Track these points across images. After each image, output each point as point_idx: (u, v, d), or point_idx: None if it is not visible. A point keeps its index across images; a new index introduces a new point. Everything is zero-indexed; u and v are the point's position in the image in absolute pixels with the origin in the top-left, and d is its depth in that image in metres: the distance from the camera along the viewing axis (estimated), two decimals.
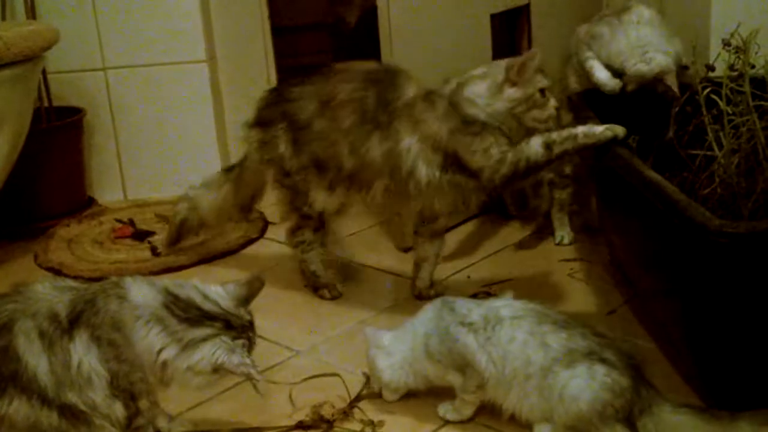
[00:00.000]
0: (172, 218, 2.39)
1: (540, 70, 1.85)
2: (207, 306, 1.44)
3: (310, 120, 2.00)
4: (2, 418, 1.32)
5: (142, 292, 1.42)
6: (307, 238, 2.13)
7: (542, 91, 1.85)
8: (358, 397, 1.68)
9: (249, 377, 1.42)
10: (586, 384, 1.43)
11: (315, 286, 2.16)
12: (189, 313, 1.42)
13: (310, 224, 2.12)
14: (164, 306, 1.41)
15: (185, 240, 2.40)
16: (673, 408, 1.46)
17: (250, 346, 1.47)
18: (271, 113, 2.08)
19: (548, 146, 1.81)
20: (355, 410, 1.64)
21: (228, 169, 2.30)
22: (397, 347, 1.62)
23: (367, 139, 1.92)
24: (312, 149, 2.00)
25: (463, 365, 1.53)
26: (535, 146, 1.81)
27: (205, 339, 1.40)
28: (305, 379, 1.76)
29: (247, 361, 1.41)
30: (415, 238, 2.11)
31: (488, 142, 1.83)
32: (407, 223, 2.20)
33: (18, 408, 1.32)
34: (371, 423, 1.60)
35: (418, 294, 2.10)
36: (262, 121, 2.10)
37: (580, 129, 1.81)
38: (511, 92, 1.83)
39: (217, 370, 1.40)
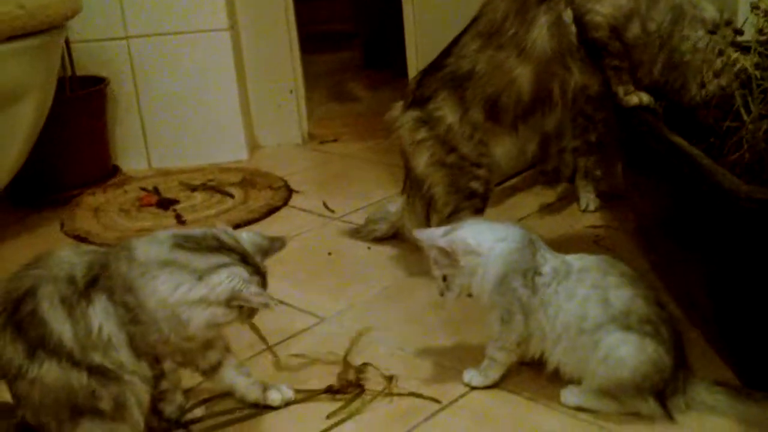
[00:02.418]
0: (365, 234, 2.27)
1: None
2: (225, 238, 1.43)
3: (473, 63, 1.90)
4: (34, 380, 1.33)
5: (146, 249, 1.41)
6: None
7: None
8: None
9: (266, 307, 1.40)
10: (635, 353, 1.41)
11: None
12: (204, 244, 1.41)
13: (474, 204, 1.98)
14: (174, 246, 1.40)
15: None
16: (708, 387, 1.45)
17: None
18: (428, 88, 1.97)
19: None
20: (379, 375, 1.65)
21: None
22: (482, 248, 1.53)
23: (532, 25, 1.83)
24: (484, 93, 1.90)
25: (514, 312, 1.49)
26: None
27: (222, 265, 1.39)
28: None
29: (264, 292, 1.40)
30: None
31: None
32: None
33: (48, 370, 1.34)
34: (389, 379, 1.61)
35: None
36: (418, 100, 1.98)
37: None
38: None
39: (232, 300, 1.37)
